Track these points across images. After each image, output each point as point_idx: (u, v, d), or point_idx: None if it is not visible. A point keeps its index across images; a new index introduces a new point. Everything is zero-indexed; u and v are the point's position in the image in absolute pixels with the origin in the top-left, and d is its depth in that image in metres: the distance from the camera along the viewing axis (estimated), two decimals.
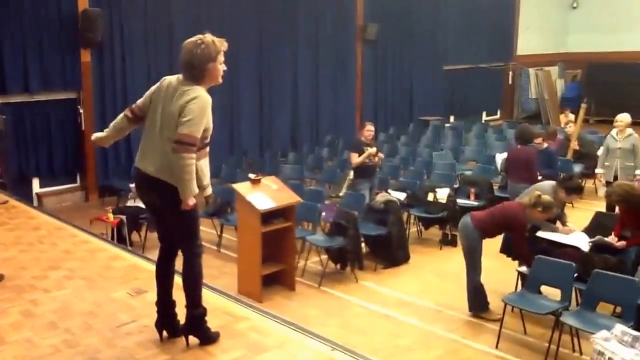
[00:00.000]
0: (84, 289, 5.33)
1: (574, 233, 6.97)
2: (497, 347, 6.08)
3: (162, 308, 4.24)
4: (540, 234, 6.96)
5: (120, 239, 8.40)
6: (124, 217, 8.51)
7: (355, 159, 9.43)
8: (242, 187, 7.36)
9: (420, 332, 6.49)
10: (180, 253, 4.22)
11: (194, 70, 3.92)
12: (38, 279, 5.55)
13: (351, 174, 10.16)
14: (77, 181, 11.99)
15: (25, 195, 10.27)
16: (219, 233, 9.11)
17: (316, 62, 15.36)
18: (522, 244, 6.54)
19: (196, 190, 3.89)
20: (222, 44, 4.00)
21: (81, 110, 11.54)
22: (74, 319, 4.69)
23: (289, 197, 7.43)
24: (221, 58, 4.00)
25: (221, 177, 11.23)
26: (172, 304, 4.27)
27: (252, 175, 7.70)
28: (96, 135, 4.36)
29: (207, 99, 3.92)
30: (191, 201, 3.86)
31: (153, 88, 4.12)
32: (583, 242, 6.71)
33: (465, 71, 19.34)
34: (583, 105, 12.22)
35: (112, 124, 4.27)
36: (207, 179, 4.10)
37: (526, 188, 7.58)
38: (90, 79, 11.57)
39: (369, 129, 9.68)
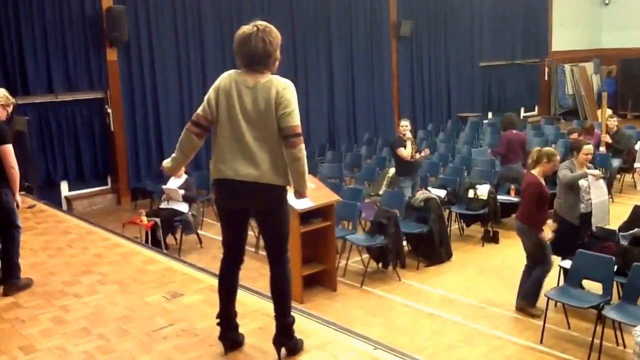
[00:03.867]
0: (118, 293, 5.23)
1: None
2: (541, 342, 6.01)
3: (227, 320, 4.02)
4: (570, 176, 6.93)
5: (155, 242, 8.31)
6: (158, 220, 8.44)
7: (404, 152, 9.42)
8: None
9: (464, 330, 6.39)
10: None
11: (267, 59, 3.71)
12: (69, 285, 5.47)
13: (391, 171, 10.07)
14: (108, 184, 11.99)
15: (53, 199, 10.21)
16: (256, 235, 9.02)
17: (351, 60, 15.29)
18: (538, 209, 6.48)
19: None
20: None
21: (109, 111, 11.53)
22: (107, 324, 4.59)
23: (328, 196, 7.31)
24: None
25: None
26: (235, 314, 4.07)
27: None
28: (166, 166, 3.96)
29: (293, 85, 3.76)
30: (307, 192, 3.77)
31: (214, 92, 3.76)
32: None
33: (501, 67, 19.21)
34: (604, 94, 12.19)
35: (179, 148, 3.84)
36: None
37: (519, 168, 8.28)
38: (118, 78, 11.54)
39: (403, 125, 9.73)
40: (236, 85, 3.71)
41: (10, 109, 5.39)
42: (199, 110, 3.78)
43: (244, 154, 3.66)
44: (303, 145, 3.64)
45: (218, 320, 4.02)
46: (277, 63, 3.78)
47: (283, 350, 3.95)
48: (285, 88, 3.67)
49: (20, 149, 5.29)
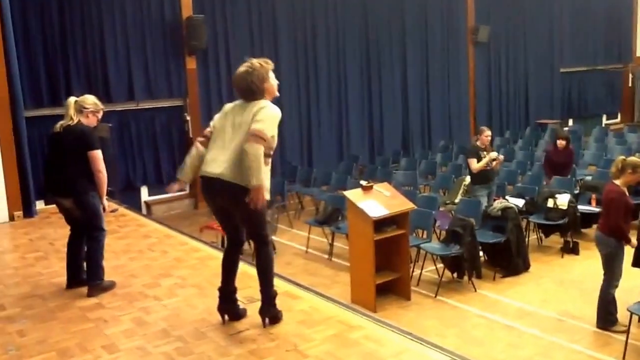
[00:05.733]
0: (196, 296, 5.34)
1: None
2: (624, 358, 5.80)
3: (226, 294, 4.61)
4: None
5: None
6: None
7: (475, 164, 9.14)
8: (353, 195, 7.26)
9: (542, 343, 6.23)
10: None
11: (255, 94, 4.35)
12: (149, 287, 5.62)
13: (467, 179, 9.88)
14: (186, 189, 12.23)
15: (134, 204, 10.52)
16: (330, 241, 9.07)
17: (426, 65, 15.15)
18: (619, 219, 6.19)
19: (264, 181, 4.16)
20: (268, 64, 4.47)
21: (188, 118, 11.81)
22: (186, 326, 4.70)
23: (402, 204, 7.27)
24: (271, 74, 4.46)
25: (331, 184, 11.20)
26: (235, 290, 4.64)
27: (363, 182, 7.58)
28: (177, 185, 4.76)
29: (277, 110, 4.34)
30: (261, 190, 4.12)
31: (217, 116, 4.56)
32: None
33: (582, 73, 18.65)
34: None
35: (189, 162, 4.58)
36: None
37: None
38: (196, 86, 11.81)
39: (488, 135, 9.45)
40: (234, 108, 4.47)
41: (99, 115, 5.61)
42: (205, 130, 4.60)
43: (220, 156, 4.30)
44: (257, 145, 4.09)
45: (219, 294, 4.60)
46: (270, 92, 4.43)
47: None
48: (266, 107, 4.29)
49: (104, 155, 5.49)
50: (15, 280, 5.96)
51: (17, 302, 5.39)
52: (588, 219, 9.03)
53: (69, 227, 5.68)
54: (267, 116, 4.23)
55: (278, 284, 5.43)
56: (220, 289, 4.61)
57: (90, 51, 10.70)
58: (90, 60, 10.71)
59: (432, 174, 12.12)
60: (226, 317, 4.67)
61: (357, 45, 13.91)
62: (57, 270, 6.05)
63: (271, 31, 12.57)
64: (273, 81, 4.46)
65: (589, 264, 8.03)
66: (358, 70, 13.98)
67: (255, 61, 4.44)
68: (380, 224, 6.98)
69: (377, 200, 7.08)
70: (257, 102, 4.33)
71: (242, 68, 4.42)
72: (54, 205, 5.87)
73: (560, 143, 10.63)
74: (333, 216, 9.12)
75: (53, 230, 7.67)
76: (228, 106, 4.54)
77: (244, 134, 4.22)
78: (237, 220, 4.51)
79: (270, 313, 4.57)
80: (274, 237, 9.19)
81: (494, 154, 9.23)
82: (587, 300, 6.88)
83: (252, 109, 4.29)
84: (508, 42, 16.72)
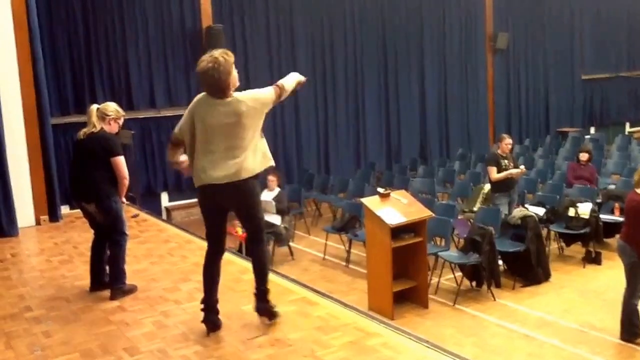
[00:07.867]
0: None
1: None
2: None
3: (210, 305, 4.59)
4: None
5: (248, 253, 8.45)
6: None
7: (495, 173, 9.03)
8: (370, 202, 7.28)
9: (563, 354, 6.16)
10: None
11: (220, 87, 4.29)
12: (169, 291, 5.68)
13: (485, 187, 9.83)
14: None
15: (154, 209, 10.73)
16: (347, 248, 9.08)
17: (444, 72, 15.14)
18: (638, 229, 6.09)
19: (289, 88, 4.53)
20: (230, 56, 4.39)
21: None
22: (205, 330, 4.71)
23: (420, 212, 7.27)
24: (233, 66, 4.39)
25: (349, 191, 11.21)
26: (217, 301, 4.63)
27: (381, 190, 7.59)
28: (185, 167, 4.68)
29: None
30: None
31: (187, 114, 4.49)
32: None
33: (605, 80, 18.43)
34: None
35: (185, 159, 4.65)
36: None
37: None
38: None
39: (508, 142, 9.33)
40: (207, 106, 4.36)
41: (120, 122, 5.71)
42: (175, 130, 4.58)
43: (216, 162, 4.29)
44: (278, 89, 4.50)
45: (202, 306, 4.58)
46: (234, 84, 4.38)
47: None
48: (249, 98, 4.35)
49: (126, 161, 5.59)
50: (41, 283, 6.07)
51: (42, 303, 5.49)
52: (611, 229, 8.94)
53: (92, 232, 5.77)
54: (252, 90, 4.40)
55: (295, 289, 5.53)
56: (205, 301, 4.57)
57: (114, 61, 10.95)
58: (113, 69, 10.95)
59: (450, 182, 12.09)
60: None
61: (374, 53, 13.95)
62: (81, 273, 6.14)
63: (289, 40, 12.67)
64: (235, 73, 4.40)
65: (611, 274, 7.92)
66: (376, 78, 14.02)
67: (218, 54, 4.30)
68: (398, 232, 6.99)
69: (394, 208, 7.08)
70: (231, 101, 4.29)
71: (205, 63, 4.27)
72: (78, 210, 5.97)
73: (584, 155, 10.60)
74: (350, 223, 9.14)
75: (77, 234, 7.79)
76: (197, 105, 4.42)
77: (232, 140, 4.26)
78: (239, 218, 4.63)
79: (266, 309, 4.63)
80: (291, 244, 9.31)
81: (516, 171, 9.16)
82: (609, 311, 6.80)
83: (236, 109, 4.26)
84: (527, 49, 16.65)
